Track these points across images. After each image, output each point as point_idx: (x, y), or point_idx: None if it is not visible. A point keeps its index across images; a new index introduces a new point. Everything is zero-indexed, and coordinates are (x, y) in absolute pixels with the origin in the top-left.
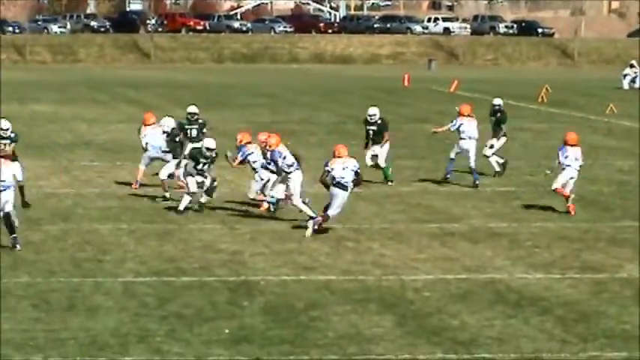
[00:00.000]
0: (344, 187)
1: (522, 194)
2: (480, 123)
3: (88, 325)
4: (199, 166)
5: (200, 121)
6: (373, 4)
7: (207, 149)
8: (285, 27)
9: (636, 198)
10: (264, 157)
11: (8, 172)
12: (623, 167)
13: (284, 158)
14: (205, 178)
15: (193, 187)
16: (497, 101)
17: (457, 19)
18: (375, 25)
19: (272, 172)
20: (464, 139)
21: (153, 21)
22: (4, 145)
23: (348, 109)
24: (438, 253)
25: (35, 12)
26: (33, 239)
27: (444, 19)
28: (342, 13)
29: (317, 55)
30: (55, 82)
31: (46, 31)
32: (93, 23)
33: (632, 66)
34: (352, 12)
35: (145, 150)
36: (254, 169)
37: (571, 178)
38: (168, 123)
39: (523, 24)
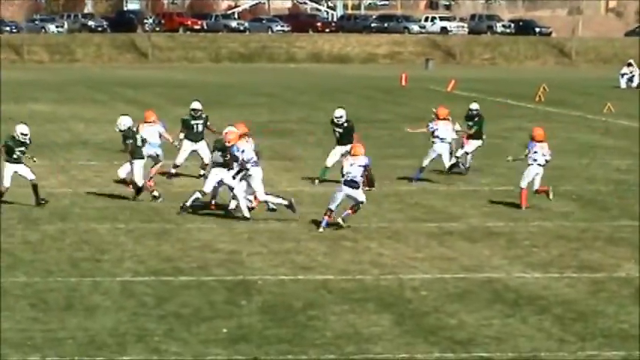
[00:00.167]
0: (353, 184)
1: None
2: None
3: (85, 324)
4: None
5: (203, 116)
6: (370, 3)
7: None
8: (282, 26)
9: (634, 197)
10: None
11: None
12: (621, 166)
13: (242, 153)
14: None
15: (208, 188)
16: (475, 106)
17: (454, 19)
18: (373, 25)
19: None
20: (436, 143)
21: (150, 20)
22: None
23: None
24: (436, 252)
25: (33, 12)
26: (31, 239)
27: (442, 19)
28: (340, 12)
29: (314, 54)
30: (52, 81)
31: (43, 30)
32: (90, 23)
33: (629, 65)
34: (349, 11)
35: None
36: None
37: (537, 174)
38: (124, 122)
39: (520, 23)
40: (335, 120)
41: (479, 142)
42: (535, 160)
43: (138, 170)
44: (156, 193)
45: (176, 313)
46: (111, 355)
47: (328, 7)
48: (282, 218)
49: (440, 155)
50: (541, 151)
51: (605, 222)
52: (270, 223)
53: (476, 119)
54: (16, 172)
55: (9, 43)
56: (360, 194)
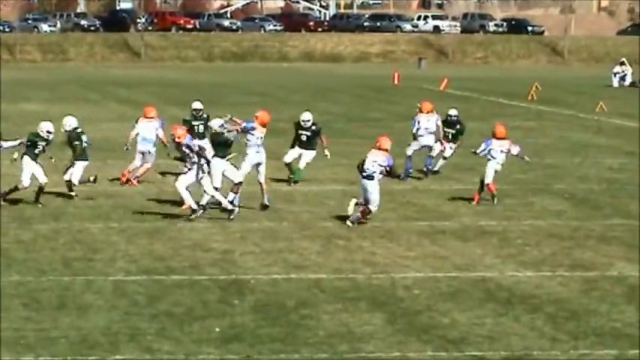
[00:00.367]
0: (370, 178)
1: (512, 192)
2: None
3: (78, 323)
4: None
5: (204, 116)
6: (363, 2)
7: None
8: (275, 25)
9: (626, 196)
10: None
11: None
12: (613, 165)
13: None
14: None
15: (218, 182)
16: (454, 112)
17: (447, 18)
18: (365, 24)
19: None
20: (422, 135)
21: (143, 20)
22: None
23: (338, 108)
24: (429, 251)
25: (25, 11)
26: (23, 238)
27: (434, 18)
28: (332, 11)
29: (307, 53)
30: (45, 80)
31: (36, 30)
32: (83, 22)
33: (622, 64)
34: (342, 10)
35: (135, 142)
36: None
37: (495, 171)
38: (70, 122)
39: (513, 22)
40: (302, 123)
41: (454, 146)
42: (494, 157)
43: (78, 171)
44: (73, 194)
45: (168, 312)
46: (103, 355)
47: (321, 6)
48: (274, 217)
49: (427, 146)
50: (499, 148)
51: (597, 221)
52: (263, 223)
53: (458, 126)
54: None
55: (1, 43)
56: (373, 185)
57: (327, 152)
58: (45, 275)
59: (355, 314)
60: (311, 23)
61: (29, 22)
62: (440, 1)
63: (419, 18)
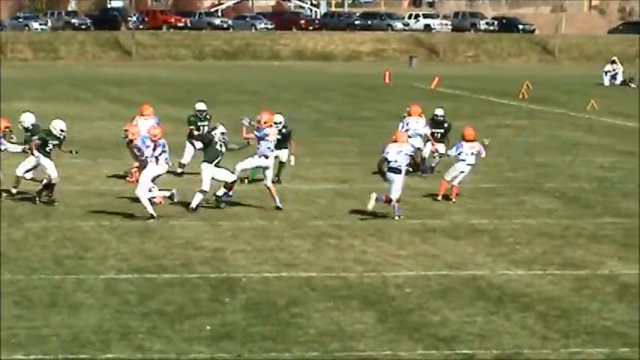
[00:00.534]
0: (397, 171)
1: (503, 191)
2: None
3: (69, 322)
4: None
5: (208, 117)
6: (354, 0)
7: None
8: (266, 24)
9: (617, 194)
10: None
11: None
12: (604, 164)
13: (147, 147)
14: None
15: (206, 186)
16: (440, 112)
17: (438, 16)
18: (356, 22)
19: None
20: (410, 137)
21: (134, 18)
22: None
23: (329, 106)
24: (420, 249)
25: (16, 9)
26: (14, 236)
27: (425, 16)
28: (323, 9)
29: (298, 51)
30: (36, 79)
31: (27, 28)
32: (74, 20)
33: (613, 62)
34: (333, 9)
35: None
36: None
37: (461, 172)
38: (28, 119)
39: (504, 20)
40: (274, 125)
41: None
42: (463, 160)
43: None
44: (14, 191)
45: (159, 311)
46: (94, 353)
47: (312, 4)
48: (265, 216)
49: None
50: (470, 151)
51: (588, 219)
52: (254, 221)
53: (445, 125)
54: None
55: None
56: (401, 179)
57: (292, 159)
58: (36, 273)
59: (346, 313)
60: (302, 21)
61: (20, 20)
62: (431, 0)
63: (410, 16)
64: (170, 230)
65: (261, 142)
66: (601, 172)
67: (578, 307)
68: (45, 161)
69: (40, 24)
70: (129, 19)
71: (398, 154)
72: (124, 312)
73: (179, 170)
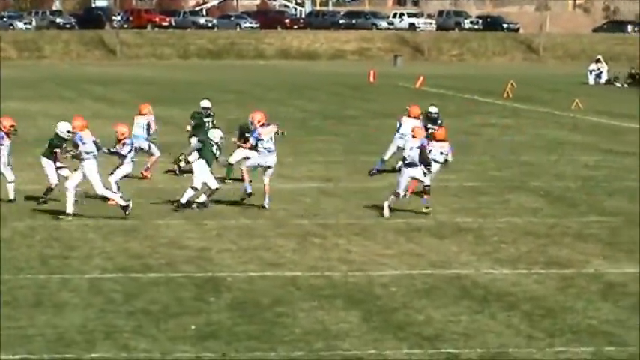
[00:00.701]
0: (413, 165)
1: (488, 190)
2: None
3: (54, 321)
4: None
5: (212, 114)
6: None
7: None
8: (250, 23)
9: (602, 193)
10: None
11: None
12: (589, 163)
13: (84, 144)
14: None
15: (197, 183)
16: (434, 109)
17: (422, 15)
18: (341, 21)
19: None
20: (401, 137)
21: (118, 17)
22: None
23: (314, 105)
24: (405, 248)
25: (0, 8)
26: (1, 236)
27: (410, 15)
28: (308, 8)
29: (283, 51)
30: (21, 78)
31: (11, 27)
32: (58, 20)
33: (597, 61)
34: (317, 8)
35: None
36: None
37: (429, 171)
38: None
39: (488, 19)
40: (251, 126)
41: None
42: (433, 159)
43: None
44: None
45: (144, 310)
46: (80, 352)
47: (296, 3)
48: (250, 215)
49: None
50: (440, 150)
51: (573, 218)
52: (239, 220)
53: (439, 122)
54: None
55: None
56: (420, 173)
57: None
58: (22, 273)
59: (331, 312)
60: (287, 20)
61: (4, 19)
62: None
63: (394, 15)
64: (155, 229)
65: (258, 143)
66: (586, 171)
67: (563, 305)
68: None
69: (25, 23)
70: (113, 18)
71: (411, 149)
72: (109, 311)
73: (183, 164)
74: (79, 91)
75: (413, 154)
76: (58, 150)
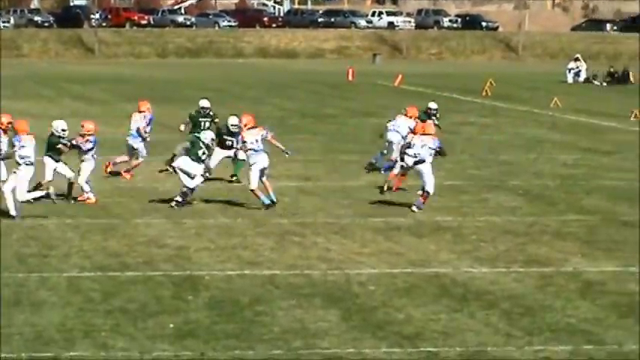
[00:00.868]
0: (422, 162)
1: (467, 188)
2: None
3: (33, 320)
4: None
5: (211, 114)
6: None
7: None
8: (229, 21)
9: (581, 191)
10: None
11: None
12: (568, 161)
13: (22, 147)
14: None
15: (191, 182)
16: (434, 105)
17: (401, 14)
18: (319, 20)
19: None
20: (390, 130)
21: (97, 16)
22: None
23: (292, 104)
24: (384, 247)
25: None
26: None
27: (388, 13)
28: (286, 7)
29: (261, 49)
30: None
31: None
32: (37, 18)
33: (576, 60)
34: (296, 6)
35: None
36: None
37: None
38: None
39: (467, 18)
40: (231, 127)
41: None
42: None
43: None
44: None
45: (123, 309)
46: (58, 351)
47: (275, 1)
48: (229, 214)
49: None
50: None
51: (552, 216)
52: (218, 219)
53: (437, 118)
54: (55, 169)
55: None
56: (430, 175)
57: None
58: (0, 272)
59: (310, 310)
60: (265, 19)
61: None
62: None
63: (373, 14)
64: (133, 228)
65: (247, 145)
66: (565, 170)
67: (542, 304)
68: (57, 165)
69: (3, 21)
70: (92, 16)
71: (422, 147)
72: (87, 310)
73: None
74: (57, 90)
75: (423, 153)
76: (60, 146)
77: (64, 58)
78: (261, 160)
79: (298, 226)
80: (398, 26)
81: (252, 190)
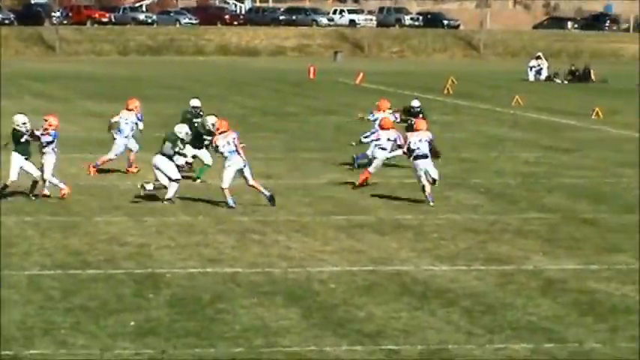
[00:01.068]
0: (424, 156)
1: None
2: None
3: None
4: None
5: (202, 113)
6: None
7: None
8: (190, 19)
9: (542, 190)
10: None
11: None
12: (529, 159)
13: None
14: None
15: (165, 177)
16: (416, 103)
17: (362, 11)
18: (281, 17)
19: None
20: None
21: (58, 13)
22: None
23: (254, 102)
24: (345, 245)
25: None
26: None
27: (350, 11)
28: (248, 5)
29: (222, 47)
30: None
31: None
32: None
33: (537, 58)
34: (257, 4)
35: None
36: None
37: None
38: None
39: (428, 16)
40: (210, 127)
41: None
42: (384, 148)
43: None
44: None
45: (83, 307)
46: (18, 349)
47: None
48: (191, 211)
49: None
50: (386, 137)
51: (513, 214)
52: (179, 217)
53: (421, 116)
54: (22, 167)
55: None
56: (431, 166)
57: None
58: None
59: (271, 308)
60: (226, 17)
61: None
62: None
63: (335, 12)
64: (94, 226)
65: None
66: (526, 168)
67: (503, 302)
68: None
69: None
70: (53, 14)
71: (420, 142)
72: (48, 308)
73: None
74: (17, 88)
75: (422, 147)
76: (25, 137)
77: (24, 56)
78: (235, 162)
79: (260, 224)
80: (359, 24)
81: (222, 189)
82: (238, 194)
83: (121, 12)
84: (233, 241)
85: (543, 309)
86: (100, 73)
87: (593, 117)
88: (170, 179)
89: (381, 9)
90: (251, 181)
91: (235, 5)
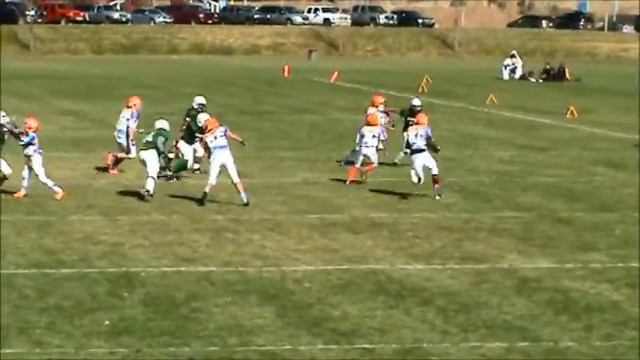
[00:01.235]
0: (421, 151)
1: (404, 184)
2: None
3: None
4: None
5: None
6: None
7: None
8: (164, 18)
9: (516, 188)
10: None
11: None
12: (504, 157)
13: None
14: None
15: (153, 172)
16: (417, 102)
17: (337, 10)
18: (255, 16)
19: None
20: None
21: (32, 12)
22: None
23: (228, 100)
24: (319, 243)
25: None
26: None
27: (324, 10)
28: (222, 3)
29: (196, 45)
30: None
31: None
32: None
33: (512, 56)
34: (232, 3)
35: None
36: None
37: (367, 156)
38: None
39: (403, 14)
40: (201, 124)
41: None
42: (369, 145)
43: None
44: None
45: (58, 306)
46: None
47: None
48: (164, 210)
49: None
50: (370, 134)
51: (488, 213)
52: (153, 215)
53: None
54: None
55: None
56: (429, 159)
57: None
58: None
59: (245, 307)
60: (201, 15)
61: None
62: None
63: (309, 10)
64: (69, 225)
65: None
66: (501, 166)
67: (477, 301)
68: None
69: None
70: (27, 13)
71: (416, 137)
72: (23, 307)
73: (196, 166)
74: None
75: (419, 142)
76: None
77: None
78: (219, 156)
79: (234, 222)
80: (334, 23)
81: (210, 184)
82: (213, 193)
83: (95, 11)
84: (207, 240)
85: (518, 308)
86: (75, 71)
87: (567, 116)
88: (148, 175)
89: (355, 8)
90: (235, 179)
91: (210, 4)
